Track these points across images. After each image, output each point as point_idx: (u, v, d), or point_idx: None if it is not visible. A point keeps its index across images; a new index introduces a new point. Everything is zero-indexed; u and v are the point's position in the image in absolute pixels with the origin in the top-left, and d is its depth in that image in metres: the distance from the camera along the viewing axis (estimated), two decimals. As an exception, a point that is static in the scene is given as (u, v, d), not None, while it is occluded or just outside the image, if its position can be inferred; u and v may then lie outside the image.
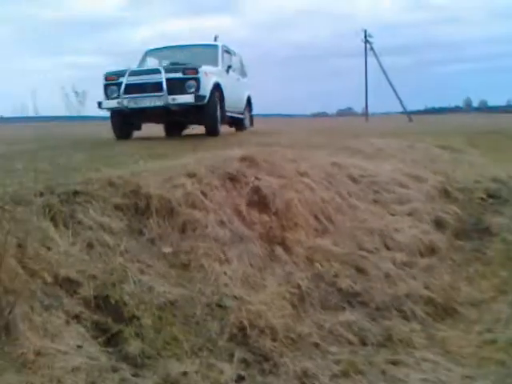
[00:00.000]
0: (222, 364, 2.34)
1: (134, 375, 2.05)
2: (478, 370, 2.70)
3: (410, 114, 35.41)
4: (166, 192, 3.42)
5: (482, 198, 5.32)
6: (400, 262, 3.71)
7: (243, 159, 4.13)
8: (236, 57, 9.66)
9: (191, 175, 3.72)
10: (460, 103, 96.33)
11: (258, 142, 6.71)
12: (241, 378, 2.28)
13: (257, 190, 3.82)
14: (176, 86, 6.91)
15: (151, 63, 8.65)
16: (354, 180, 4.76)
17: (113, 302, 2.46)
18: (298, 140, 7.85)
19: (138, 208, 3.29)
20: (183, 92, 6.95)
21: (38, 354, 1.88)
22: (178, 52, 8.98)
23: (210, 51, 8.77)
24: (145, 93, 7.03)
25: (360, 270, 3.50)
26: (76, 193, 3.11)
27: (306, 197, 4.01)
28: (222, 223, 3.45)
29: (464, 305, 3.51)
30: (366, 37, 38.15)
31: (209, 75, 7.33)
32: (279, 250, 3.46)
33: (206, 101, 7.06)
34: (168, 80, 6.89)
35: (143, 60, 8.69)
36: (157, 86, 6.93)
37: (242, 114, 9.76)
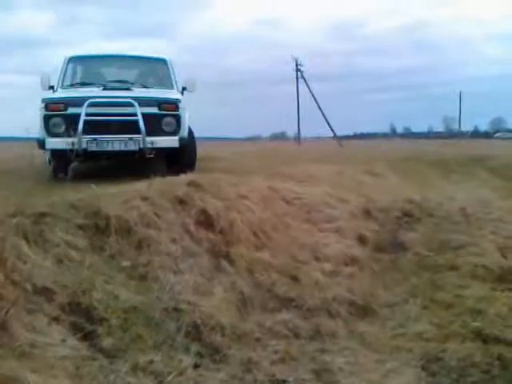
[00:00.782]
0: (181, 355, 2.80)
1: (110, 363, 2.48)
2: (389, 356, 3.29)
3: (340, 138, 37.24)
4: (123, 213, 3.85)
5: (398, 217, 6.10)
6: (328, 271, 4.29)
7: (190, 184, 4.62)
8: None
9: (144, 198, 4.17)
10: (386, 129, 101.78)
11: (197, 167, 7.19)
12: (197, 365, 2.75)
13: (203, 211, 4.31)
14: (150, 125, 5.53)
15: (72, 76, 6.62)
16: (287, 202, 5.36)
17: (84, 306, 2.87)
18: (236, 166, 8.41)
19: (99, 227, 3.69)
20: (159, 132, 5.65)
21: (31, 345, 2.27)
22: (112, 64, 7.17)
23: (157, 67, 7.08)
24: (112, 133, 5.49)
25: (294, 279, 4.05)
26: (43, 214, 3.50)
27: (246, 217, 4.54)
28: (173, 240, 3.91)
29: (381, 306, 4.12)
30: (297, 65, 39.98)
31: (185, 109, 6.07)
32: (224, 263, 3.96)
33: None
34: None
35: (65, 71, 6.58)
36: (130, 125, 5.50)
37: None
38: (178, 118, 5.79)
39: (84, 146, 5.38)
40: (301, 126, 42.43)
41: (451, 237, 5.57)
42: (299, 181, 6.60)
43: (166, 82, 6.79)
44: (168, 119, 5.74)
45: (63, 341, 2.44)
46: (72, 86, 6.36)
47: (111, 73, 6.98)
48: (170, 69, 6.95)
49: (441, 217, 6.40)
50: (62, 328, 2.58)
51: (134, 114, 5.45)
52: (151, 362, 2.61)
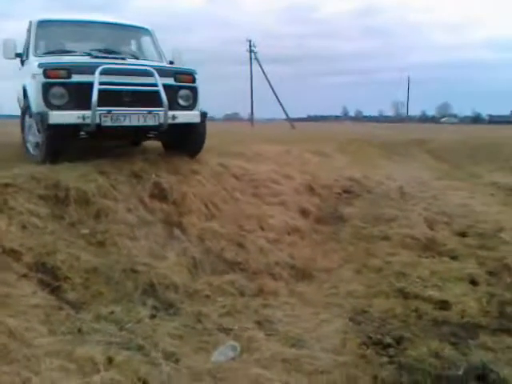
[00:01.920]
0: (139, 308, 3.17)
1: (76, 313, 2.83)
2: (323, 310, 3.75)
3: (292, 121, 37.83)
4: (82, 185, 4.13)
5: (339, 193, 6.62)
6: (271, 239, 4.72)
7: (145, 160, 4.92)
8: None
9: (102, 172, 4.45)
10: (338, 112, 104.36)
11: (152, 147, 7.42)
12: (153, 316, 3.13)
13: (157, 185, 4.64)
14: (167, 98, 4.83)
15: (46, 43, 5.65)
16: (236, 178, 5.74)
17: (49, 266, 3.19)
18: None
19: (59, 198, 3.98)
20: (175, 106, 5.01)
21: (6, 296, 2.58)
22: (89, 31, 6.11)
23: (140, 36, 6.42)
24: (126, 105, 4.72)
25: (241, 245, 4.46)
26: (6, 185, 3.74)
27: (198, 190, 4.90)
28: (129, 210, 4.23)
29: (318, 271, 4.59)
30: (250, 47, 40.09)
31: None
32: (177, 231, 4.32)
33: None
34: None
35: (35, 37, 5.58)
36: (148, 97, 4.82)
37: None
38: (195, 91, 5.24)
39: (98, 120, 4.53)
40: (254, 108, 42.83)
41: (386, 211, 6.13)
42: (248, 159, 6.97)
43: (154, 54, 6.19)
44: (184, 91, 5.16)
45: (34, 293, 2.75)
46: (49, 53, 5.41)
47: (91, 40, 6.08)
48: (155, 39, 6.36)
49: (378, 194, 6.99)
50: (31, 283, 2.89)
51: (154, 85, 4.77)
52: (112, 312, 2.97)
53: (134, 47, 6.30)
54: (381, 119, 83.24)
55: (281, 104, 38.24)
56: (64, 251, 3.38)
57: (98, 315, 2.88)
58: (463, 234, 5.67)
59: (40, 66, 4.57)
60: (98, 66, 4.57)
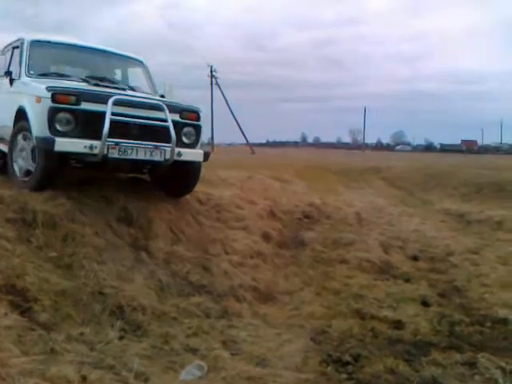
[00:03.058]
0: (107, 330, 3.24)
1: (47, 333, 2.88)
2: (285, 330, 3.92)
3: (252, 146, 38.41)
4: (49, 208, 4.19)
5: (299, 218, 6.88)
6: (235, 262, 4.88)
7: (112, 185, 5.02)
8: None
9: (70, 197, 4.51)
10: (297, 138, 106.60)
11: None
12: (122, 337, 3.20)
13: (124, 209, 4.73)
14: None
15: (39, 65, 5.40)
16: (201, 202, 5.90)
17: (19, 288, 3.22)
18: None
19: (26, 221, 4.02)
20: (179, 143, 4.86)
21: (-22, 317, 2.62)
22: (84, 56, 5.99)
23: (134, 68, 6.43)
24: (134, 138, 4.62)
25: (206, 269, 4.59)
26: (-26, 208, 3.77)
27: (164, 215, 5.02)
28: (97, 234, 4.29)
29: (281, 293, 4.78)
30: (211, 72, 40.76)
31: None
32: (144, 255, 4.41)
33: None
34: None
35: (28, 57, 5.32)
36: (156, 131, 4.76)
37: None
38: (198, 129, 5.21)
39: (106, 151, 4.39)
40: (214, 133, 43.16)
41: (344, 236, 6.42)
42: (212, 184, 7.16)
43: (147, 86, 6.16)
44: (188, 129, 5.11)
45: (5, 314, 2.80)
46: (43, 75, 5.23)
47: (84, 66, 5.97)
48: (148, 71, 6.36)
49: (337, 219, 7.28)
50: (1, 305, 2.93)
51: (163, 120, 4.75)
52: (82, 334, 3.04)
53: (128, 78, 6.24)
54: (338, 146, 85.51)
55: (241, 129, 38.90)
56: (33, 274, 3.42)
57: (68, 336, 2.94)
58: (416, 258, 6.02)
59: (49, 89, 4.38)
60: (108, 96, 4.50)
